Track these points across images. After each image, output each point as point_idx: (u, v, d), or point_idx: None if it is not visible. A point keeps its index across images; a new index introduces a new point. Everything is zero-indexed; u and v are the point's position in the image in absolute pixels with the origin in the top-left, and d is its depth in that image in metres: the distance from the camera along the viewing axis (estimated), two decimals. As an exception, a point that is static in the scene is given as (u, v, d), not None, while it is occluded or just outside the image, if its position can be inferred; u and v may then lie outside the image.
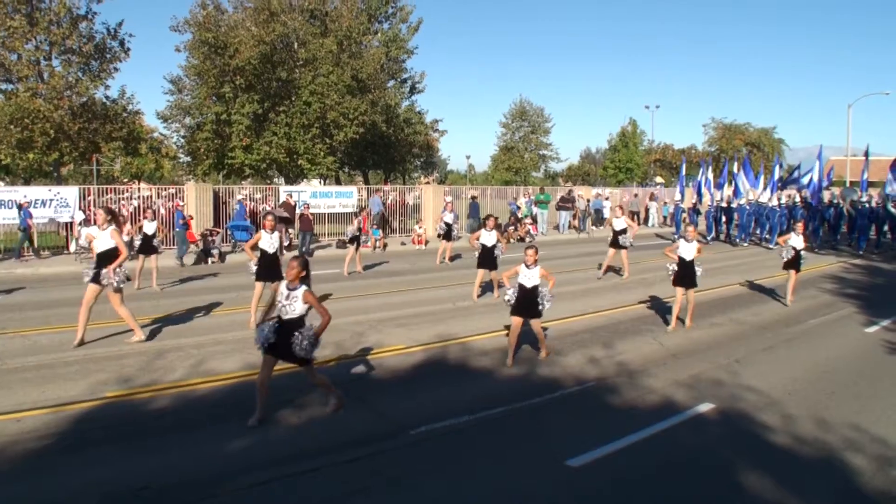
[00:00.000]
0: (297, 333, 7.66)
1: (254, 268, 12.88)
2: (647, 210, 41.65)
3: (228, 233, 25.97)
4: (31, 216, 21.73)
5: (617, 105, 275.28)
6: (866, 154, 33.77)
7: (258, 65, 31.45)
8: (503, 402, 8.73)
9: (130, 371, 9.74)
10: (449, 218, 22.08)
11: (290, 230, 25.70)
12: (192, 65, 32.86)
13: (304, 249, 24.41)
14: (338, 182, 45.69)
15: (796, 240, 15.93)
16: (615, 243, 19.38)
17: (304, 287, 7.87)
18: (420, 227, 29.14)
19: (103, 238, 11.15)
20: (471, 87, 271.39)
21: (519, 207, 34.51)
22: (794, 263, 15.78)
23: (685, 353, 11.57)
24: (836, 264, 23.40)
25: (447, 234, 22.15)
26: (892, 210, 29.03)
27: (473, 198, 32.89)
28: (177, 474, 6.61)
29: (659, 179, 73.85)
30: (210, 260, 22.47)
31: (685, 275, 13.06)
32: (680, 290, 13.14)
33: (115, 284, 10.91)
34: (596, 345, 11.84)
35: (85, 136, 26.86)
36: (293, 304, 7.79)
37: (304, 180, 37.87)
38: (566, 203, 36.25)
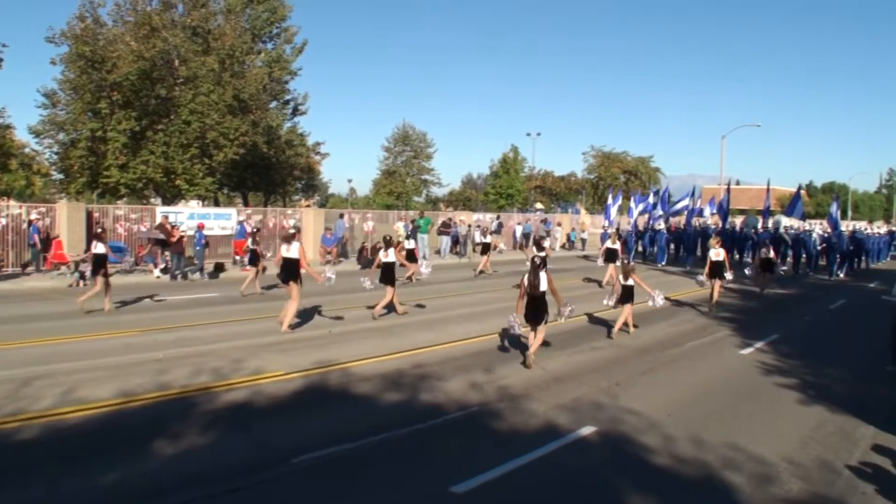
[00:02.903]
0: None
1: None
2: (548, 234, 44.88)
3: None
4: None
5: (499, 132, 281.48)
6: (768, 185, 36.90)
7: (136, 81, 30.64)
8: (386, 429, 8.68)
9: (-6, 400, 9.28)
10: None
11: (166, 252, 24.96)
12: (68, 78, 31.73)
13: (177, 272, 23.85)
14: (216, 204, 44.83)
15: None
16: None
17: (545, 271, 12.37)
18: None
19: (292, 250, 14.87)
20: (354, 111, 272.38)
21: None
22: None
23: (566, 376, 11.77)
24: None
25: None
26: (785, 236, 31.38)
27: (413, 221, 33.94)
28: (45, 509, 6.34)
29: (539, 205, 75.44)
30: (83, 283, 21.58)
31: (717, 269, 19.46)
32: (716, 282, 19.57)
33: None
34: (477, 369, 11.92)
35: (-50, 152, 25.59)
36: (543, 282, 12.15)
37: (182, 201, 37.02)
38: (447, 228, 36.63)
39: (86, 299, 16.40)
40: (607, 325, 16.30)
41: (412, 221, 33.86)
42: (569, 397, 10.48)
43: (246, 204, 48.58)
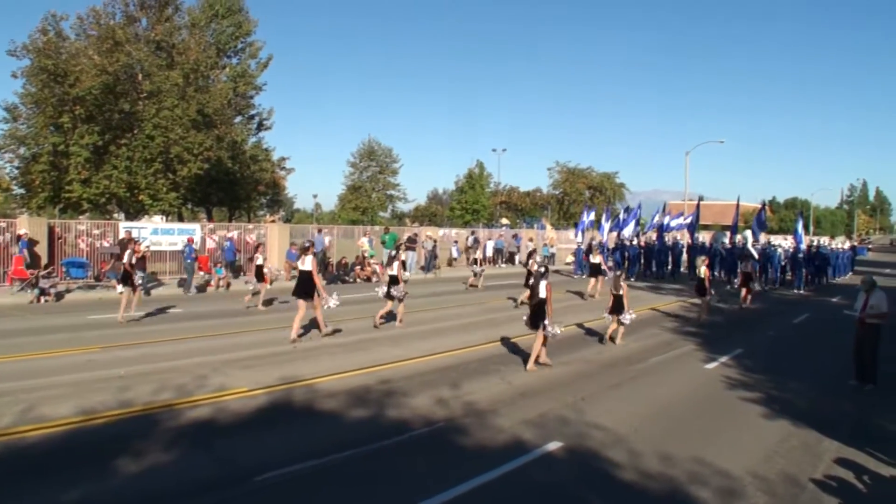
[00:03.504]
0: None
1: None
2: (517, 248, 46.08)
3: (63, 270, 24.79)
4: None
5: (465, 147, 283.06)
6: (737, 202, 37.65)
7: (100, 95, 30.33)
8: (351, 446, 8.60)
9: (-49, 418, 9.08)
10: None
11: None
12: (30, 92, 31.34)
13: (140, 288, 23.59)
14: (180, 219, 44.40)
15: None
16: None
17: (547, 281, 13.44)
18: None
19: (306, 263, 15.44)
20: (320, 126, 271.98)
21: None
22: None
23: (533, 391, 11.76)
24: (676, 303, 24.54)
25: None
26: (752, 251, 32.08)
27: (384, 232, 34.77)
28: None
29: (504, 221, 75.70)
30: (44, 299, 21.26)
31: (700, 287, 20.33)
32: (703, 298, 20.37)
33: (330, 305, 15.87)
34: (444, 385, 11.88)
35: None
36: (541, 290, 13.24)
37: (146, 216, 36.64)
38: (412, 244, 36.62)
39: (123, 311, 17.70)
40: (586, 336, 16.38)
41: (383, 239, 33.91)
42: (535, 412, 10.46)
43: (210, 219, 48.16)
